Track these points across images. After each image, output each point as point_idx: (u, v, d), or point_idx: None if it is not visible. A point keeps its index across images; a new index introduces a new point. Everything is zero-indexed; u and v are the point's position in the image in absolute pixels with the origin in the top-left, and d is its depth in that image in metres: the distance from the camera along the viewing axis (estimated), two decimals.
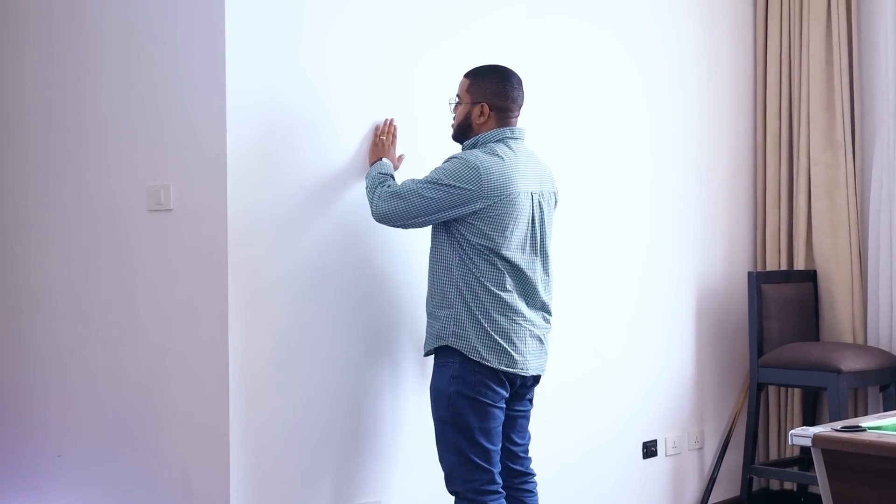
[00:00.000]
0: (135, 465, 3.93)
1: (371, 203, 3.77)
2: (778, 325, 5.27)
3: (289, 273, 3.80)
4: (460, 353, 3.65)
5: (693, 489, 5.33)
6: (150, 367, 3.90)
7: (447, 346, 3.67)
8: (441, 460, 3.73)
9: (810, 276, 5.45)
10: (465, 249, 3.66)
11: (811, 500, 5.41)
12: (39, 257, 4.29)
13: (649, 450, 5.08)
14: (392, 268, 4.08)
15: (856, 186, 5.39)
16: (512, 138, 3.75)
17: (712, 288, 5.43)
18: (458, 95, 3.83)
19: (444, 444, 3.70)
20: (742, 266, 5.58)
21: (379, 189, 3.76)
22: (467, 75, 3.83)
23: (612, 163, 4.96)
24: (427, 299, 3.78)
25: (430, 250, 3.78)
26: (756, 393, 5.23)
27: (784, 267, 5.56)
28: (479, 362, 3.63)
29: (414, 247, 4.05)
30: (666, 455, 5.15)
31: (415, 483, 4.13)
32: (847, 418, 4.60)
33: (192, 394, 3.76)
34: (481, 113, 3.75)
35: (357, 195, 3.98)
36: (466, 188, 3.61)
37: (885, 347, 5.23)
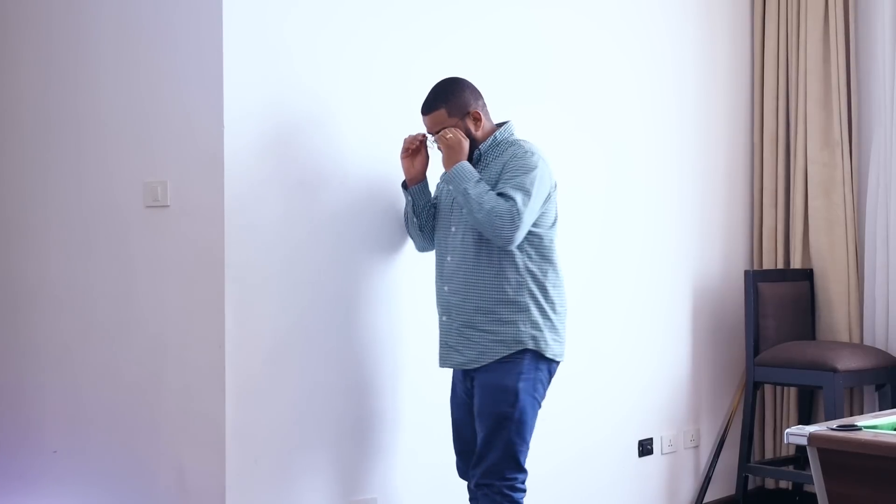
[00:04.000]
0: (131, 461, 3.93)
1: (501, 225, 3.54)
2: (774, 323, 5.27)
3: (285, 270, 3.80)
4: (532, 352, 3.66)
5: (688, 487, 5.34)
6: (146, 363, 3.90)
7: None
8: (485, 453, 3.67)
9: (807, 275, 5.45)
10: (525, 249, 3.66)
11: (806, 499, 5.41)
12: (36, 253, 4.28)
13: (645, 448, 5.08)
14: (390, 265, 4.08)
15: (852, 185, 5.39)
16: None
17: (709, 286, 5.43)
18: (436, 131, 3.73)
19: (497, 439, 3.65)
20: (738, 264, 5.59)
21: (497, 206, 3.56)
22: (433, 108, 3.73)
23: (609, 162, 4.96)
24: (475, 312, 3.66)
25: (466, 262, 3.69)
26: (752, 391, 5.24)
27: (780, 266, 5.56)
28: (548, 359, 3.69)
29: (409, 245, 4.06)
30: (661, 453, 5.16)
31: (411, 480, 4.13)
32: (843, 417, 4.60)
33: (188, 390, 3.76)
34: (475, 119, 3.75)
35: (355, 193, 3.98)
36: (550, 181, 3.71)
37: (881, 346, 5.24)
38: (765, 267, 5.59)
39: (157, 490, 3.85)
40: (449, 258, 3.72)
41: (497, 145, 3.75)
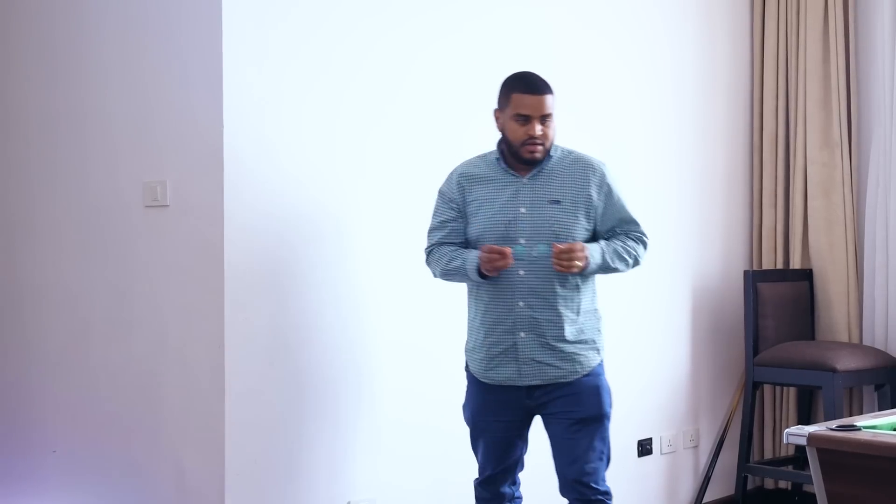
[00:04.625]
0: (130, 461, 3.93)
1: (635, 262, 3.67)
2: (773, 323, 5.27)
3: (285, 269, 3.80)
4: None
5: (688, 487, 5.34)
6: (145, 363, 3.90)
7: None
8: (588, 455, 3.58)
9: (806, 275, 5.45)
10: None
11: (805, 499, 5.41)
12: (36, 253, 4.28)
13: (644, 448, 5.08)
14: (389, 265, 4.08)
15: (852, 186, 5.39)
16: None
17: (708, 286, 5.43)
18: (546, 114, 3.55)
19: (604, 442, 3.61)
20: (738, 265, 5.59)
21: (641, 249, 3.67)
22: (549, 91, 3.55)
23: (608, 162, 4.95)
24: (565, 324, 3.54)
25: (546, 275, 3.52)
26: (751, 392, 5.23)
27: (780, 266, 5.56)
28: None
29: (408, 245, 4.06)
30: (661, 453, 5.16)
31: (411, 480, 4.13)
32: (842, 417, 4.59)
33: (187, 390, 3.76)
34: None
35: (355, 193, 3.98)
36: None
37: (880, 347, 5.24)
38: (764, 267, 5.59)
39: (156, 490, 3.85)
40: (522, 272, 3.51)
41: (565, 156, 3.64)
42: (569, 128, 4.73)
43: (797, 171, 5.48)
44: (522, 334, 3.53)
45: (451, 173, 3.68)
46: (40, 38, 4.28)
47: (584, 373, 3.57)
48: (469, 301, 3.66)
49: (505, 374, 3.56)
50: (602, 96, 4.94)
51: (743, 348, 5.36)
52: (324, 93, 3.91)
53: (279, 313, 3.79)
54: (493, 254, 3.41)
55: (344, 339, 3.95)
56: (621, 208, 3.63)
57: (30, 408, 4.30)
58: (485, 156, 3.68)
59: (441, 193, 3.68)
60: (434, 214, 3.68)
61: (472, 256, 3.50)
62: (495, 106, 3.61)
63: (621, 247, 3.61)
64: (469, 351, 3.66)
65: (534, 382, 3.55)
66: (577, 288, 3.56)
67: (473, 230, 3.59)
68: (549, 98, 3.53)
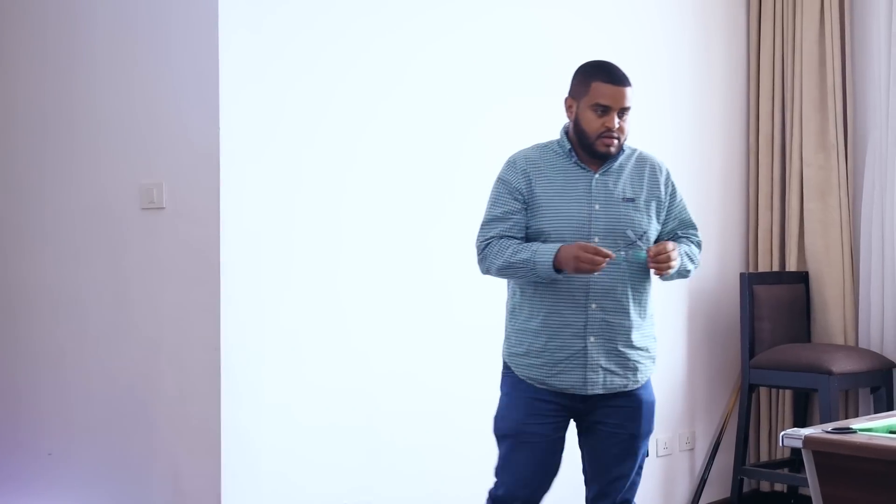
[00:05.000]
0: (126, 464, 3.93)
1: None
2: (769, 326, 5.27)
3: (280, 272, 3.80)
4: None
5: (683, 490, 5.34)
6: (142, 366, 3.89)
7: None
8: (631, 471, 3.48)
9: (802, 278, 5.45)
10: None
11: (801, 501, 5.41)
12: (32, 255, 4.28)
13: None
14: (385, 267, 4.08)
15: (848, 188, 5.39)
16: None
17: (704, 288, 5.43)
18: (625, 107, 3.34)
19: (641, 456, 3.48)
20: (734, 267, 5.59)
21: (698, 250, 3.52)
22: (631, 83, 3.34)
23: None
24: (632, 329, 3.34)
25: (621, 277, 3.31)
26: (747, 394, 5.24)
27: (776, 268, 5.56)
28: None
29: (405, 246, 4.06)
30: (657, 456, 5.16)
31: (406, 484, 4.13)
32: (838, 420, 4.60)
33: (183, 392, 3.76)
34: None
35: (352, 195, 3.98)
36: None
37: (876, 349, 5.24)
38: (760, 269, 5.59)
39: (152, 493, 3.84)
40: (596, 272, 3.22)
41: (631, 154, 3.46)
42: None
43: (793, 174, 5.48)
44: (592, 339, 3.30)
45: (513, 160, 3.39)
46: (35, 41, 4.28)
47: (642, 383, 3.39)
48: (519, 302, 3.37)
49: (569, 382, 3.30)
50: None
51: (739, 351, 5.36)
52: (319, 95, 3.91)
53: (275, 316, 3.79)
54: (598, 255, 3.15)
55: (340, 342, 3.94)
56: (683, 210, 3.50)
57: (25, 410, 4.29)
58: (546, 146, 3.42)
59: (503, 181, 3.36)
60: (493, 204, 3.36)
61: (546, 249, 3.22)
62: (567, 94, 3.38)
63: (690, 250, 3.44)
64: (518, 356, 3.36)
65: (597, 391, 3.32)
66: (647, 291, 3.38)
67: (542, 225, 3.31)
68: (629, 90, 3.31)
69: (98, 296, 4.04)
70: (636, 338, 3.35)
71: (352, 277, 3.99)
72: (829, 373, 4.89)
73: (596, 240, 3.27)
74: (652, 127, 5.21)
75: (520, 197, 3.32)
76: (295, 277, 3.84)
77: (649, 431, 3.44)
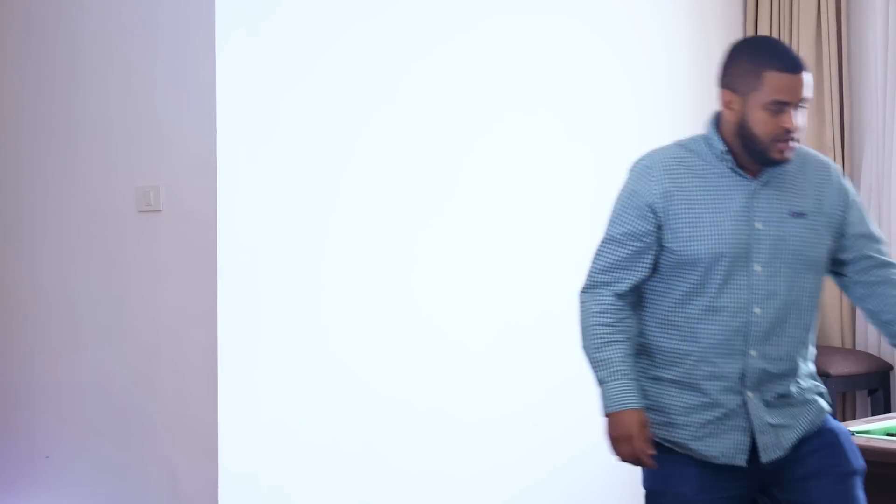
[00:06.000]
0: (123, 467, 3.92)
1: None
2: None
3: (277, 275, 3.80)
4: None
5: None
6: (138, 369, 3.89)
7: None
8: None
9: None
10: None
11: None
12: (29, 258, 4.27)
13: None
14: (384, 270, 4.07)
15: None
16: None
17: None
18: (808, 97, 2.58)
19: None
20: None
21: None
22: (807, 66, 2.58)
23: (601, 169, 4.95)
24: (802, 364, 2.68)
25: (788, 314, 2.62)
26: None
27: None
28: None
29: (402, 251, 4.06)
30: None
31: (404, 489, 4.12)
32: None
33: (180, 395, 3.76)
34: None
35: (349, 199, 3.98)
36: None
37: (873, 352, 5.24)
38: None
39: (149, 496, 3.84)
40: (758, 309, 2.59)
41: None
42: (562, 136, 4.75)
43: None
44: (750, 393, 2.61)
45: (648, 167, 2.67)
46: (31, 44, 4.28)
47: (824, 417, 2.70)
48: (658, 343, 2.68)
49: (719, 449, 2.63)
50: (595, 104, 4.92)
51: None
52: (317, 99, 3.91)
53: (272, 319, 3.78)
54: (646, 456, 2.68)
55: (338, 345, 3.94)
56: (863, 220, 2.71)
57: (22, 413, 4.29)
58: (688, 145, 2.68)
59: (633, 194, 2.65)
60: (614, 221, 2.67)
61: (620, 389, 2.68)
62: (721, 84, 2.62)
63: None
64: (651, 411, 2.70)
65: (770, 458, 2.61)
66: (812, 327, 2.70)
67: (683, 249, 2.58)
68: (808, 77, 2.57)
69: (95, 298, 4.04)
70: (803, 372, 2.70)
71: (348, 279, 3.98)
72: (827, 375, 4.89)
73: (758, 268, 2.57)
74: (650, 131, 5.20)
75: (650, 216, 2.61)
76: (291, 280, 3.83)
77: (863, 468, 2.70)
